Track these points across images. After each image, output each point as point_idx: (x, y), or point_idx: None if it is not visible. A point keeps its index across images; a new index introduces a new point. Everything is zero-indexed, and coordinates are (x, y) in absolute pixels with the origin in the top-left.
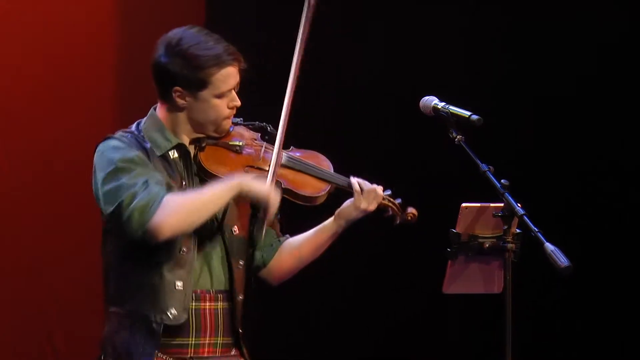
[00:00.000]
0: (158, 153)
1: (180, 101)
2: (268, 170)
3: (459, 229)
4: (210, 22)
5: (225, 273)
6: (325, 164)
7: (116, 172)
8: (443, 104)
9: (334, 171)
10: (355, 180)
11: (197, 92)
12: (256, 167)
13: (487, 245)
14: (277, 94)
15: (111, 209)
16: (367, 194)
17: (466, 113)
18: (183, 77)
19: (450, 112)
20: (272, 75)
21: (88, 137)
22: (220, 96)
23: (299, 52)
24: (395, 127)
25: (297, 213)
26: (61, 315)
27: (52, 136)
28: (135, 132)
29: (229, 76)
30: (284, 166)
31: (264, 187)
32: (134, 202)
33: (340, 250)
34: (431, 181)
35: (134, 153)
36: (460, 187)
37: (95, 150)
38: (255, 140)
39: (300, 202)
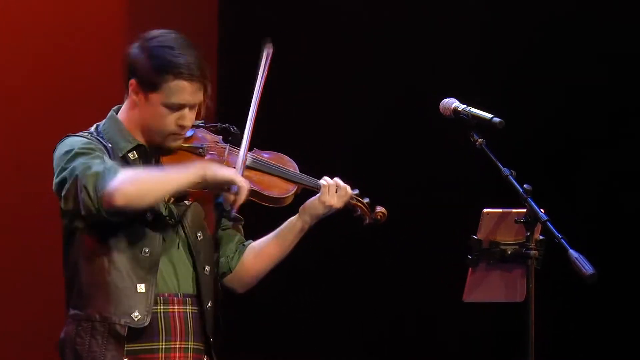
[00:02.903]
0: (119, 154)
1: (133, 96)
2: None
3: (480, 235)
4: (223, 26)
5: (193, 278)
6: (290, 165)
7: (74, 155)
8: (464, 106)
9: (300, 172)
10: (324, 178)
11: (148, 93)
12: None
13: (509, 252)
14: (288, 95)
15: (67, 185)
16: (334, 189)
17: (487, 116)
18: (140, 73)
19: (471, 115)
20: (283, 75)
21: None
22: (168, 106)
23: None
24: (413, 131)
25: (260, 218)
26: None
27: (59, 138)
28: (95, 133)
29: (181, 90)
30: (249, 168)
31: (231, 171)
32: (89, 172)
33: (354, 257)
34: (451, 186)
35: (95, 145)
36: (481, 192)
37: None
38: (218, 142)
39: (267, 204)
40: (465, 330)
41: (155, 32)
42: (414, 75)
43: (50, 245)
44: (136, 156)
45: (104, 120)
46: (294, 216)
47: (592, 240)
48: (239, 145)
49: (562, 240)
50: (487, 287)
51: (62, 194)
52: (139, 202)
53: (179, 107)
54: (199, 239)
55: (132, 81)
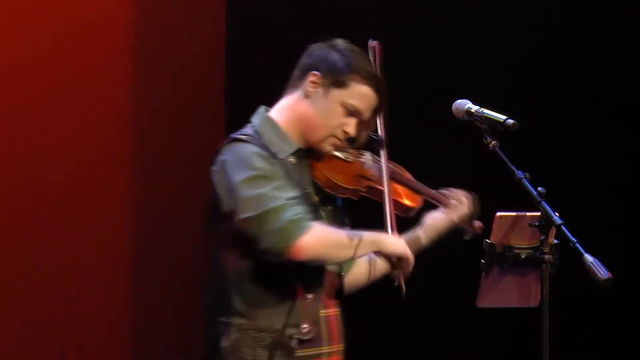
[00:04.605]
0: (279, 156)
1: (310, 88)
2: (376, 181)
3: (493, 239)
4: (230, 27)
5: (335, 279)
6: (409, 175)
7: (256, 179)
8: (477, 107)
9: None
10: (449, 193)
11: (330, 88)
12: (364, 176)
13: (523, 257)
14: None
15: (249, 214)
16: (465, 205)
17: (501, 117)
18: (329, 66)
19: (485, 116)
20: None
21: (103, 140)
22: (346, 107)
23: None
24: (429, 130)
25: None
26: (71, 323)
27: (65, 139)
28: (257, 137)
29: (365, 97)
30: (391, 179)
31: (402, 247)
32: (285, 216)
33: None
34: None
35: (274, 166)
36: (494, 195)
37: (221, 150)
38: (356, 149)
39: (400, 213)
40: (468, 331)
41: (343, 40)
42: (419, 75)
43: (50, 244)
44: (294, 161)
45: (255, 122)
46: (416, 235)
47: (608, 245)
48: (378, 153)
49: (577, 245)
50: (500, 292)
51: (243, 217)
52: (318, 260)
53: (355, 112)
54: None
55: (315, 73)
